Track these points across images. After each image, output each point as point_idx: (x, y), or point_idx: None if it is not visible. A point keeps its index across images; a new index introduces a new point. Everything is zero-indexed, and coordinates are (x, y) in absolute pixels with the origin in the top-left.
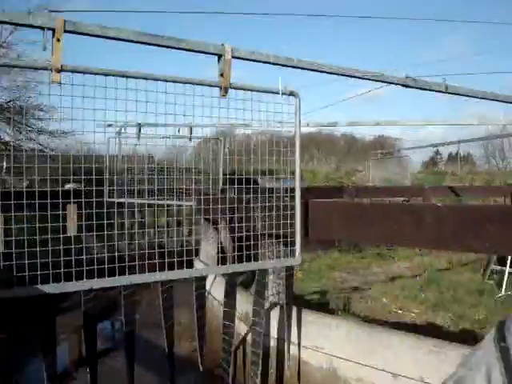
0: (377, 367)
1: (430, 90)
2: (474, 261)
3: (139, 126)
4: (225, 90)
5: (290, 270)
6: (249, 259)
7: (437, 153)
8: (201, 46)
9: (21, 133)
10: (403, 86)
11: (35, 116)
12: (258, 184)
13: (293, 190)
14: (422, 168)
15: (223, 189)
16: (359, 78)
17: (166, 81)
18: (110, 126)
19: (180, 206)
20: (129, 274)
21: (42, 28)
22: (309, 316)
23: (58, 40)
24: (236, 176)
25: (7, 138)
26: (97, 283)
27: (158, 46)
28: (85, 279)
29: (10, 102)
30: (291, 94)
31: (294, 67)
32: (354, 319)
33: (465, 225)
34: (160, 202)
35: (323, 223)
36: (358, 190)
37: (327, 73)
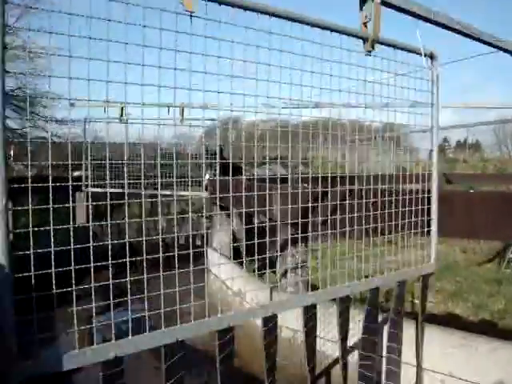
0: (402, 360)
1: None
2: (489, 250)
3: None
4: (371, 44)
5: (425, 280)
6: None
7: (444, 140)
8: None
9: (28, 120)
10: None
11: (42, 104)
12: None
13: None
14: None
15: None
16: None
17: (300, 22)
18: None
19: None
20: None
21: None
22: None
23: None
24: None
25: (15, 126)
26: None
27: None
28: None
29: (17, 89)
30: (431, 56)
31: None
32: None
33: (500, 213)
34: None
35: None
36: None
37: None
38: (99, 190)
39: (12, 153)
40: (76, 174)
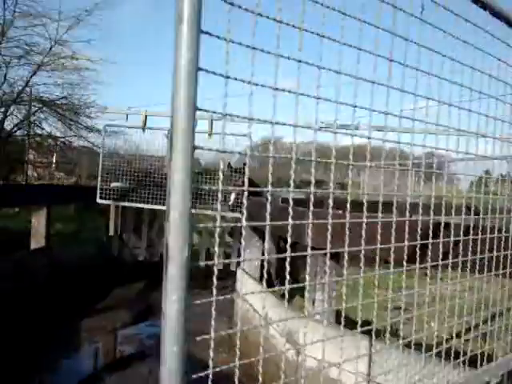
0: None
1: None
2: None
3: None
4: None
5: None
6: None
7: (486, 172)
8: None
9: (71, 129)
10: None
11: (86, 114)
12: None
13: None
14: (471, 188)
15: None
16: None
17: None
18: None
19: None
20: None
21: None
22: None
23: None
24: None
25: (58, 134)
26: None
27: None
28: None
29: (62, 98)
30: None
31: None
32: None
33: None
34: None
35: (371, 240)
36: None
37: None
38: (132, 204)
39: (54, 160)
40: (114, 184)
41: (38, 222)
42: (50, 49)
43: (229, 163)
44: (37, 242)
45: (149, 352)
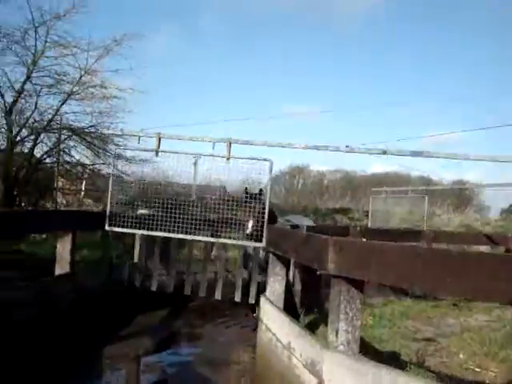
0: None
1: None
2: None
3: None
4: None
5: None
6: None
7: None
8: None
9: (100, 157)
10: None
11: (114, 142)
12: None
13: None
14: (502, 216)
15: None
16: None
17: None
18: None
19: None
20: None
21: None
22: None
23: None
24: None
25: (87, 162)
26: None
27: None
28: None
29: (91, 126)
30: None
31: None
32: (430, 379)
33: None
34: (228, 241)
35: (397, 269)
36: (436, 235)
37: None
38: (152, 233)
39: (83, 187)
40: (141, 211)
41: (63, 247)
42: (80, 78)
43: (245, 188)
44: (61, 267)
45: (171, 381)
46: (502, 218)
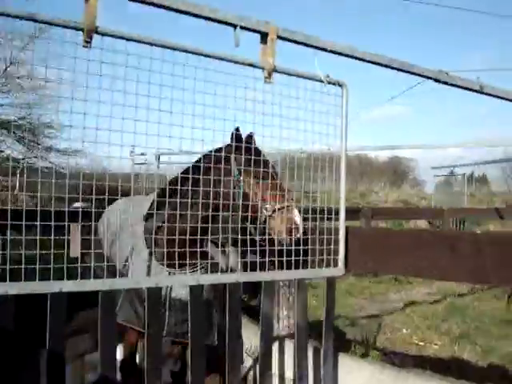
0: None
1: (463, 88)
2: (497, 286)
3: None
4: (269, 73)
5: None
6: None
7: (451, 174)
8: (243, 21)
9: (32, 151)
10: (435, 80)
11: (45, 134)
12: None
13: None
14: (436, 190)
15: None
16: (385, 66)
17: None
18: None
19: None
20: None
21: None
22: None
23: None
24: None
25: (20, 156)
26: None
27: (197, 16)
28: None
29: (20, 119)
30: (338, 84)
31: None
32: (377, 361)
33: (509, 256)
34: None
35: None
36: (374, 212)
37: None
38: None
39: (18, 183)
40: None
41: None
42: (5, 69)
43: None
44: None
45: None
46: (437, 191)
